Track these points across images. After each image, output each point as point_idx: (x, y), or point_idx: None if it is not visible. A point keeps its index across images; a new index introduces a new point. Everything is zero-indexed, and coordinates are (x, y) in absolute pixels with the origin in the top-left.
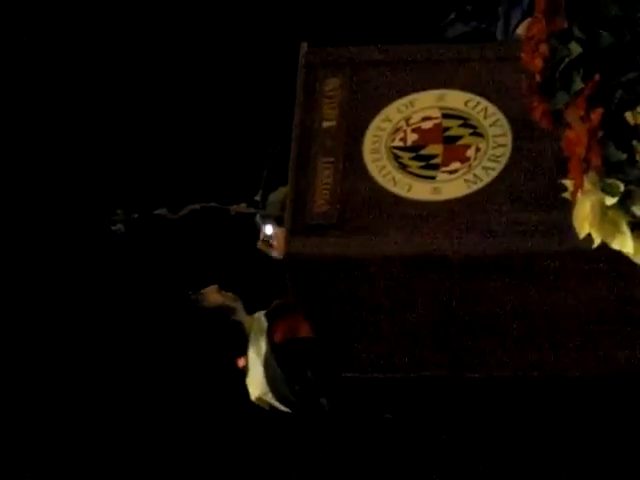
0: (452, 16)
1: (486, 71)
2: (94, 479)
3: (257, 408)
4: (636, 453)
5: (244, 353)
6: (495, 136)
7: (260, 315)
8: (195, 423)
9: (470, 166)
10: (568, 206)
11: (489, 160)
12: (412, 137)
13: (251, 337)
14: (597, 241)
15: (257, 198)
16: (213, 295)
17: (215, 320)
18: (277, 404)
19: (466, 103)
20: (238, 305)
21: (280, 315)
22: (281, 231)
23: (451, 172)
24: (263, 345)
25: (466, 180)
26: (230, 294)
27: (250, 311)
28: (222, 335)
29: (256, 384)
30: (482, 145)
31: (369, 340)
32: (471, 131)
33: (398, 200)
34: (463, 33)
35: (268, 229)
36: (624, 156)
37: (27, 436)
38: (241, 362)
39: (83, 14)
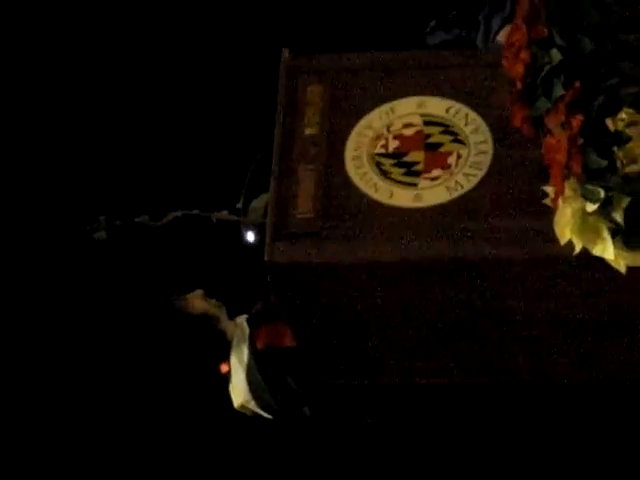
0: (433, 24)
1: (467, 78)
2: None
3: (240, 415)
4: (632, 458)
5: (227, 359)
6: (476, 143)
7: (242, 321)
8: (178, 429)
9: (451, 173)
10: (549, 213)
11: (470, 167)
12: (394, 144)
13: (233, 343)
14: (578, 247)
15: (239, 205)
16: (197, 301)
17: (198, 326)
18: (260, 411)
19: (447, 110)
20: (222, 312)
21: (262, 321)
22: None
23: (432, 179)
24: (245, 352)
25: (447, 187)
26: (214, 301)
27: (232, 316)
28: (205, 341)
29: (239, 391)
30: (463, 152)
31: (351, 347)
32: (452, 138)
33: (380, 207)
34: (444, 40)
35: (250, 236)
36: (605, 163)
37: (16, 442)
38: (224, 368)
39: (73, 16)
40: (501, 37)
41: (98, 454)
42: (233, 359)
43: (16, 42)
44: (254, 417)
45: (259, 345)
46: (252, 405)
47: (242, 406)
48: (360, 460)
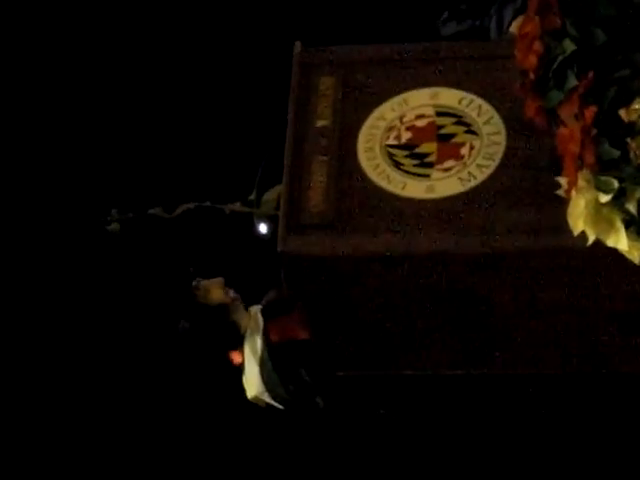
0: (446, 15)
1: (480, 69)
2: (89, 478)
3: (253, 405)
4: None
5: (239, 349)
6: (489, 134)
7: (257, 312)
8: (191, 420)
9: (464, 164)
10: (562, 204)
11: (483, 158)
12: (406, 135)
13: (247, 334)
14: (591, 238)
15: (252, 197)
16: (216, 291)
17: (212, 316)
18: (273, 402)
19: (460, 101)
20: (238, 305)
21: (276, 312)
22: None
23: (445, 170)
24: (259, 344)
25: (460, 178)
26: (232, 292)
27: (246, 308)
28: (218, 331)
29: (252, 383)
30: (476, 143)
31: (364, 338)
32: (465, 129)
33: (392, 198)
34: (457, 32)
35: (263, 228)
36: (618, 153)
37: (21, 438)
38: (237, 358)
39: (75, 15)
40: (514, 28)
41: (111, 443)
42: (246, 350)
43: (23, 42)
44: (267, 408)
45: (273, 338)
46: (265, 397)
47: (256, 397)
48: (372, 451)
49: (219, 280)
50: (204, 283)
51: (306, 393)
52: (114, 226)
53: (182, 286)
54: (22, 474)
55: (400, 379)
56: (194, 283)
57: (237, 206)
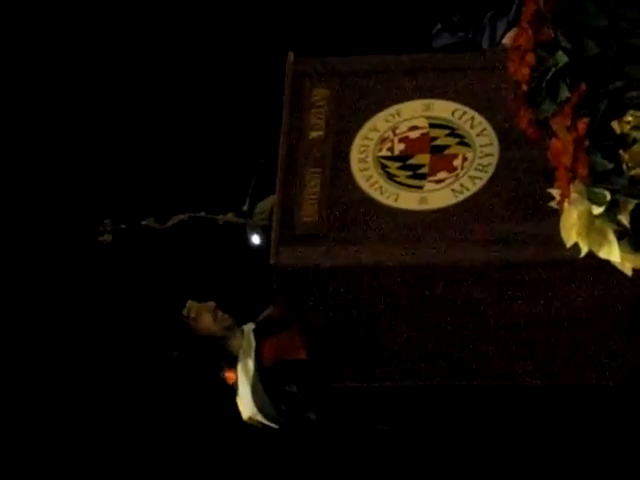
0: (438, 26)
1: (473, 80)
2: None
3: (248, 426)
4: (634, 463)
5: (233, 368)
6: (482, 146)
7: (249, 331)
8: (185, 440)
9: (457, 176)
10: (555, 215)
11: (476, 169)
12: (399, 147)
13: (240, 355)
14: (584, 250)
15: (245, 208)
16: (206, 317)
17: (203, 346)
18: (268, 423)
19: (453, 113)
20: (231, 332)
21: (268, 331)
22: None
23: (438, 182)
24: (251, 365)
25: (453, 190)
26: (225, 318)
27: (239, 322)
28: (212, 352)
29: (246, 404)
30: (469, 155)
31: (357, 350)
32: (458, 140)
33: (385, 210)
34: (450, 43)
35: (256, 239)
36: (610, 165)
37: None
38: (231, 377)
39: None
40: (506, 40)
41: (107, 466)
42: (239, 371)
43: (18, 44)
44: (263, 428)
45: (265, 360)
46: (259, 417)
47: (250, 418)
48: (367, 464)
49: (210, 305)
50: (195, 305)
51: (298, 411)
52: (106, 237)
53: (174, 307)
54: (22, 474)
55: (395, 391)
56: (184, 311)
57: (230, 217)
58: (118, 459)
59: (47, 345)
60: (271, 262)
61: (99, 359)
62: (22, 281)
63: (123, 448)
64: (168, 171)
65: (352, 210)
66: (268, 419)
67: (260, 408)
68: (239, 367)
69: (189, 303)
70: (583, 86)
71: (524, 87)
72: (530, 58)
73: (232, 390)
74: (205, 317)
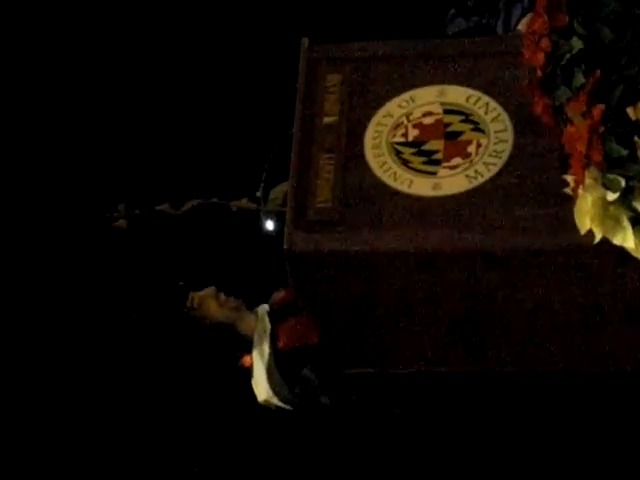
0: (453, 12)
1: (487, 66)
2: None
3: (263, 408)
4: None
5: (249, 351)
6: (496, 132)
7: (264, 314)
8: (200, 423)
9: (471, 162)
10: (569, 202)
11: (490, 156)
12: (413, 133)
13: (255, 339)
14: (598, 237)
15: (258, 194)
16: (210, 304)
17: (215, 335)
18: (282, 405)
19: (467, 99)
20: (239, 315)
21: (283, 315)
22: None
23: (452, 168)
24: (266, 348)
25: (467, 176)
26: (230, 300)
27: (252, 306)
28: (227, 336)
29: (261, 387)
30: (483, 141)
31: (371, 336)
32: (472, 127)
33: (399, 196)
34: (464, 29)
35: (269, 224)
36: (625, 152)
37: (26, 436)
38: (247, 360)
39: (83, 12)
40: (521, 26)
41: (119, 447)
42: (255, 354)
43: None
44: (278, 410)
45: (280, 344)
46: (274, 400)
47: (265, 401)
48: (378, 449)
49: (211, 290)
50: (197, 297)
51: (312, 394)
52: (121, 222)
53: (175, 303)
54: (22, 474)
55: (409, 377)
56: (188, 302)
57: (244, 203)
58: (136, 441)
59: (62, 329)
60: (285, 247)
61: (114, 345)
62: (36, 266)
63: (140, 431)
64: (182, 157)
65: (366, 196)
66: (283, 402)
67: (275, 391)
68: (255, 351)
69: (191, 294)
70: (598, 72)
71: (539, 73)
72: (545, 44)
73: (248, 373)
74: (209, 303)
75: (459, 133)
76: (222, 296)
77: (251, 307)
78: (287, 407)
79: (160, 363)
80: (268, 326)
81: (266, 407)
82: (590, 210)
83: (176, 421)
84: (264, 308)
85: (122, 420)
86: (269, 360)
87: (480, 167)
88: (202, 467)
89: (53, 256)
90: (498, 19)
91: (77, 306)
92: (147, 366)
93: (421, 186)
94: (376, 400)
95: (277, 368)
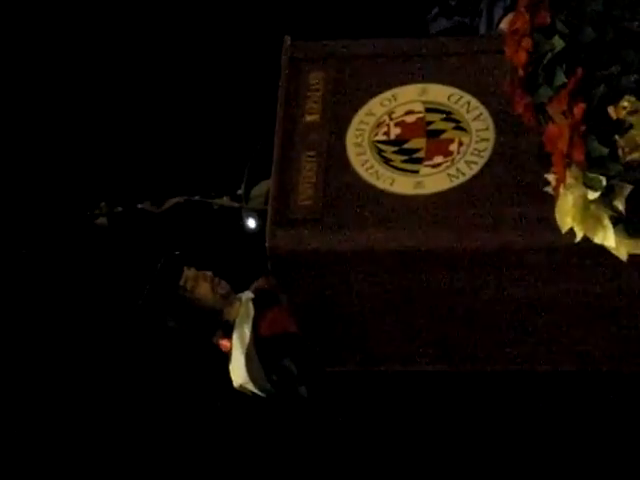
0: (435, 11)
1: (469, 65)
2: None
3: (239, 394)
4: (633, 449)
5: (228, 336)
6: (478, 130)
7: (248, 300)
8: (179, 409)
9: (453, 160)
10: (551, 200)
11: (472, 154)
12: (395, 131)
13: (236, 322)
14: (579, 235)
15: (240, 192)
16: (203, 285)
17: (200, 315)
18: (258, 392)
19: (449, 97)
20: (228, 301)
21: (268, 302)
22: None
23: (434, 166)
24: (247, 333)
25: (449, 174)
26: (221, 285)
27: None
28: (207, 327)
29: (238, 372)
30: (465, 139)
31: (352, 334)
32: (454, 125)
33: (381, 194)
34: (446, 28)
35: (251, 222)
36: (606, 151)
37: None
38: (225, 345)
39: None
40: (503, 25)
41: (102, 436)
42: (235, 339)
43: (17, 40)
44: (253, 397)
45: (262, 331)
46: (250, 386)
47: (241, 386)
48: (354, 444)
49: (207, 274)
50: (192, 274)
51: (290, 384)
52: (102, 220)
53: (169, 279)
54: (22, 474)
55: (388, 375)
56: (182, 281)
57: (225, 201)
58: (110, 424)
59: (45, 327)
60: (266, 245)
61: (95, 341)
62: (18, 265)
63: (115, 414)
64: (164, 154)
65: (348, 194)
66: (259, 389)
67: (252, 377)
68: (235, 335)
69: (186, 271)
70: (579, 71)
71: (520, 72)
72: (527, 43)
73: (225, 357)
74: (203, 286)
75: (441, 131)
76: (216, 280)
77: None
78: (262, 395)
79: (142, 349)
80: (252, 312)
81: (241, 393)
82: (571, 209)
83: (151, 404)
84: (248, 295)
85: (100, 404)
86: (249, 345)
87: (462, 166)
88: (176, 452)
89: (34, 254)
90: (480, 18)
91: (58, 303)
92: (125, 359)
93: (403, 184)
94: (352, 396)
95: (257, 354)
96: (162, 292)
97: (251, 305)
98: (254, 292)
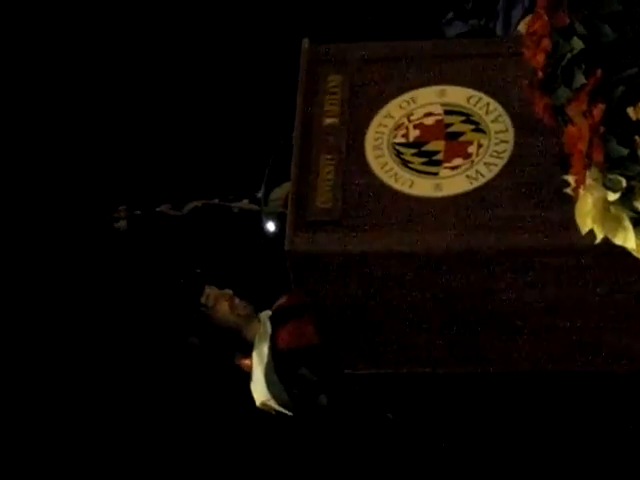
0: (450, 15)
1: (488, 67)
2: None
3: (262, 412)
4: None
5: (249, 355)
6: (497, 132)
7: (266, 318)
8: (199, 426)
9: (472, 162)
10: (570, 202)
11: (491, 156)
12: (414, 133)
13: (255, 340)
14: (599, 237)
15: (260, 195)
16: (222, 305)
17: (221, 334)
18: (280, 409)
19: (468, 99)
20: (248, 321)
21: (285, 318)
22: (219, 293)
23: (453, 168)
24: (265, 351)
25: (468, 176)
26: (243, 306)
27: (256, 307)
28: (228, 346)
29: (259, 390)
30: (484, 141)
31: (372, 336)
32: (473, 127)
33: (400, 196)
34: (462, 32)
35: (270, 225)
36: (626, 151)
37: (27, 436)
38: (247, 364)
39: (85, 12)
40: (522, 26)
41: (118, 450)
42: (254, 357)
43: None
44: (276, 415)
45: (282, 344)
46: (272, 403)
47: (263, 404)
48: (379, 450)
49: (227, 293)
50: (213, 293)
51: (310, 394)
52: (122, 223)
53: (190, 292)
54: (22, 474)
55: (409, 377)
56: (202, 298)
57: (245, 204)
58: (132, 442)
59: (62, 331)
60: (286, 248)
61: (113, 346)
62: (37, 268)
63: (136, 433)
64: (183, 158)
65: (367, 197)
66: (280, 404)
67: (273, 393)
68: (254, 353)
69: (207, 289)
70: (599, 72)
71: (539, 73)
72: (545, 44)
73: (247, 376)
74: (222, 305)
75: (460, 134)
76: (236, 300)
77: (255, 309)
78: (285, 411)
79: (162, 361)
80: (269, 329)
81: (264, 412)
82: (591, 210)
83: (173, 424)
84: (267, 313)
85: (120, 419)
86: (268, 362)
87: (481, 167)
88: (199, 470)
89: (54, 257)
90: (497, 21)
91: (78, 307)
92: (144, 367)
93: (422, 187)
94: (373, 401)
95: (275, 369)
96: (184, 309)
97: (268, 323)
98: (273, 310)
